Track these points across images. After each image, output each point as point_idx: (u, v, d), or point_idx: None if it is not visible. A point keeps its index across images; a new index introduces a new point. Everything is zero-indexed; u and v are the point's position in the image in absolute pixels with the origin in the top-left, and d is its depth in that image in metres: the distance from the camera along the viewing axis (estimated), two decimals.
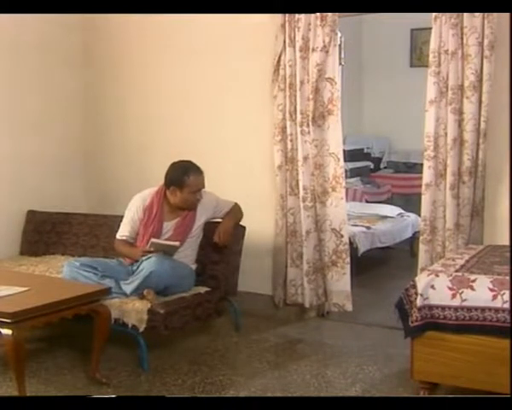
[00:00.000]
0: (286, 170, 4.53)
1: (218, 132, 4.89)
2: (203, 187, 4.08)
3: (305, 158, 4.43)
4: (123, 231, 4.17)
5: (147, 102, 5.20)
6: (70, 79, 5.31)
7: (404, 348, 3.43)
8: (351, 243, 4.78)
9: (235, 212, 4.23)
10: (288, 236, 4.56)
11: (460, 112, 3.95)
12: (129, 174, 5.23)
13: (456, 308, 3.08)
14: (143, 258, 3.88)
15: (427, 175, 4.07)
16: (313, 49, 4.31)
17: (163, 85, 5.11)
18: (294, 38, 4.37)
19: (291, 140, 4.47)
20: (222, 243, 4.10)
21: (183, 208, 4.07)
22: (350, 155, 7.34)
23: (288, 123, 4.46)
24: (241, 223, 4.28)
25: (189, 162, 4.07)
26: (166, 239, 4.01)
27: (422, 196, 4.10)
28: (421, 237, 4.14)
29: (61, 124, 5.28)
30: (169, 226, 4.07)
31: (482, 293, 3.03)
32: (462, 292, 3.07)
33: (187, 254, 4.07)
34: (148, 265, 3.79)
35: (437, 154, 4.05)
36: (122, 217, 4.23)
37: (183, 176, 4.00)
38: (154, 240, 3.91)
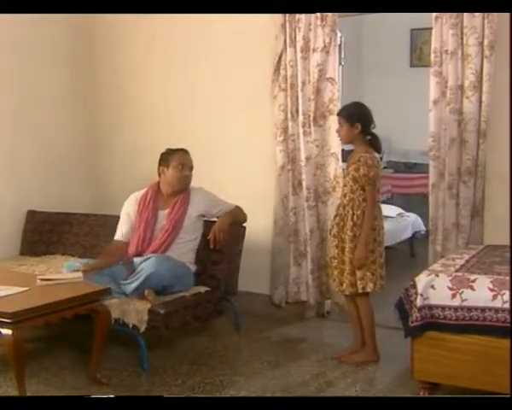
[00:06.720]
0: (288, 170, 4.54)
1: (220, 133, 4.89)
2: (189, 164, 4.18)
3: (308, 158, 4.44)
4: (117, 233, 4.26)
5: (147, 103, 5.20)
6: (69, 80, 5.30)
7: (404, 348, 3.42)
8: None
9: (235, 213, 4.23)
10: (290, 235, 4.57)
11: (460, 112, 3.95)
12: (129, 174, 5.23)
13: (456, 308, 3.08)
14: (142, 258, 3.90)
15: (434, 175, 4.07)
16: (314, 50, 4.32)
17: (163, 86, 5.11)
18: (295, 38, 4.37)
19: (293, 140, 4.48)
20: (217, 241, 4.09)
21: (175, 192, 4.14)
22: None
23: (290, 123, 4.47)
24: None
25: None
26: (161, 228, 4.06)
27: (430, 197, 4.10)
28: (430, 238, 4.14)
29: (60, 124, 5.27)
30: (163, 215, 4.13)
31: (482, 293, 3.03)
32: (463, 292, 3.07)
33: (185, 251, 4.07)
34: (148, 265, 3.79)
35: (440, 154, 4.05)
36: None
37: (169, 154, 4.21)
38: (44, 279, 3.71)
